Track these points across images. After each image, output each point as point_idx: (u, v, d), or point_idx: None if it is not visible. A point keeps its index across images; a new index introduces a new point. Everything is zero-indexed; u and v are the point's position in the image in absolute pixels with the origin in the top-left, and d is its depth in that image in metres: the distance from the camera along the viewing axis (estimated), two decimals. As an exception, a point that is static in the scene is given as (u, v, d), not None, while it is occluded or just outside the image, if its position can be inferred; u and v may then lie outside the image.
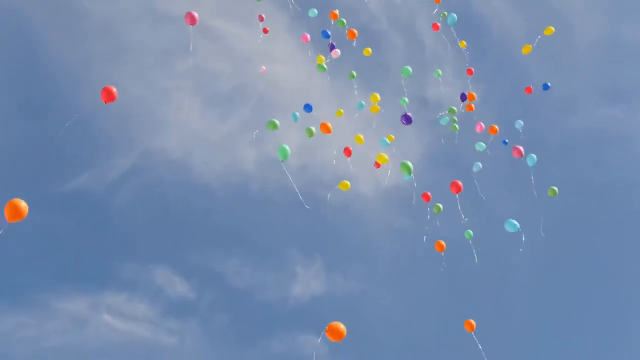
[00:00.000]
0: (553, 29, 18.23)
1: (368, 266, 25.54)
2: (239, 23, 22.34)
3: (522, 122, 18.17)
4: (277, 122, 16.25)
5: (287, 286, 25.22)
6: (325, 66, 17.43)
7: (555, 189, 17.08)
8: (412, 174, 15.28)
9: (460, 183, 16.45)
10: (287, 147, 14.51)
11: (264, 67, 17.25)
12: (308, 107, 17.38)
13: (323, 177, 24.69)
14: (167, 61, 24.06)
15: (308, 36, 17.65)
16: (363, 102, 17.60)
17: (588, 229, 27.29)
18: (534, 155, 17.41)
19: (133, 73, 23.54)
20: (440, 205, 16.87)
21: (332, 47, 17.78)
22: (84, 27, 23.98)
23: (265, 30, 17.58)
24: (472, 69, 18.49)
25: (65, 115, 23.46)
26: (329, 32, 17.80)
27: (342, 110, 17.66)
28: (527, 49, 18.42)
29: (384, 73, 20.44)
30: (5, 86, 23.21)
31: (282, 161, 14.30)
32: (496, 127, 17.66)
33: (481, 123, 17.70)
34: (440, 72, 18.34)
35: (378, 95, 17.33)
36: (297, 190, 13.24)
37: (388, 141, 16.83)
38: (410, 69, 17.37)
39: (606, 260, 26.97)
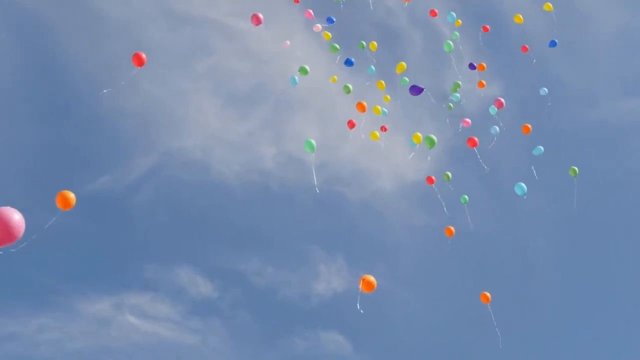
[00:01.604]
0: (522, 18, 18.37)
1: (390, 263, 25.53)
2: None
3: (546, 90, 18.26)
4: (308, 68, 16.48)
5: (309, 284, 25.24)
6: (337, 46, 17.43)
7: (576, 168, 17.19)
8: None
9: (476, 139, 16.74)
10: (313, 141, 14.64)
11: (288, 42, 17.27)
12: (349, 62, 17.34)
13: (342, 174, 24.75)
14: (185, 62, 24.15)
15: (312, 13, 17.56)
16: (373, 68, 17.53)
17: (608, 220, 27.23)
18: (541, 147, 17.55)
19: (152, 74, 23.58)
20: (450, 174, 16.97)
21: (330, 21, 17.68)
22: (101, 29, 24.11)
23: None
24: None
25: (85, 117, 23.73)
26: (334, 19, 17.73)
27: (335, 77, 17.59)
28: (518, 19, 18.53)
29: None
30: (25, 90, 23.38)
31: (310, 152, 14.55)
32: (529, 126, 17.65)
33: (467, 119, 17.71)
34: (457, 35, 18.22)
35: (404, 64, 17.19)
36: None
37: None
38: (451, 43, 17.22)
39: (626, 251, 26.94)
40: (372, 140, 17.10)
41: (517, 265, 26.36)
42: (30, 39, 23.43)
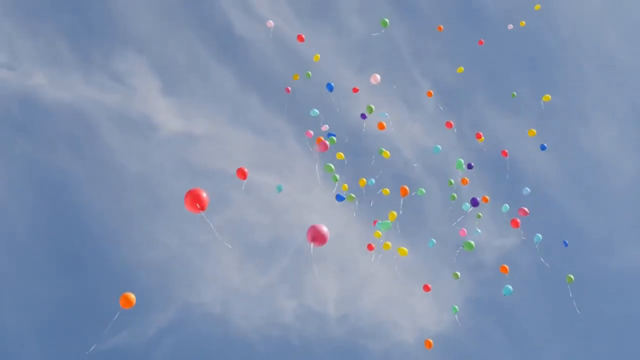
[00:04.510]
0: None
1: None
2: (274, 175, 22.74)
3: (528, 189, 18.47)
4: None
5: None
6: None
7: (572, 276, 17.15)
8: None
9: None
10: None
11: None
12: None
13: (363, 326, 24.49)
14: (204, 215, 24.40)
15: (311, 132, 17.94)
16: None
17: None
18: (540, 235, 17.59)
19: (171, 227, 23.84)
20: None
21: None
22: (121, 183, 24.58)
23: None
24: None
25: (104, 270, 23.83)
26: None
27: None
28: (532, 133, 18.94)
29: (420, 219, 20.55)
30: (44, 243, 23.61)
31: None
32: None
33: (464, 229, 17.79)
34: (462, 161, 18.42)
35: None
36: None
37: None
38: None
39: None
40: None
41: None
42: (49, 193, 23.91)
